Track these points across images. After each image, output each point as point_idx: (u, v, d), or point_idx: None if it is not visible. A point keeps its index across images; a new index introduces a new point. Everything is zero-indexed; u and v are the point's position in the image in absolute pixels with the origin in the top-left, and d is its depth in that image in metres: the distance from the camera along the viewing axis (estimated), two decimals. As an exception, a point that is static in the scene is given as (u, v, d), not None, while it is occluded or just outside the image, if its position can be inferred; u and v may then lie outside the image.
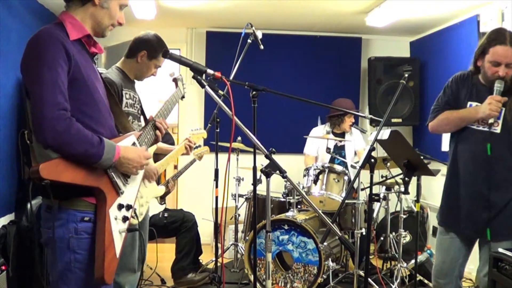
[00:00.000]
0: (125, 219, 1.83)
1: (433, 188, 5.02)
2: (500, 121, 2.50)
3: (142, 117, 2.86)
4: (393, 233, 4.22)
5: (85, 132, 1.69)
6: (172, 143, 4.16)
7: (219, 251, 3.72)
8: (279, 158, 2.17)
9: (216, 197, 3.69)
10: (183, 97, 2.55)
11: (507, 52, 2.42)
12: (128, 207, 1.86)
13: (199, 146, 4.19)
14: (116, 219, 1.79)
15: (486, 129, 2.53)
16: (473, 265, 2.95)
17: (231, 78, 3.35)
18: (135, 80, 2.90)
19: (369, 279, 3.59)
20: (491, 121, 2.49)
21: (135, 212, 2.77)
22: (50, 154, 1.68)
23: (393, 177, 3.83)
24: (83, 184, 1.70)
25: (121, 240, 1.81)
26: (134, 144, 1.97)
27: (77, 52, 1.77)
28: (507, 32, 2.47)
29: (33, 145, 1.77)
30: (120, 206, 1.82)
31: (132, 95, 2.79)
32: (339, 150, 4.71)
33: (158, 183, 3.87)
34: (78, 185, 1.70)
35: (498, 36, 2.45)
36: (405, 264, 3.96)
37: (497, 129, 2.51)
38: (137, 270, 3.22)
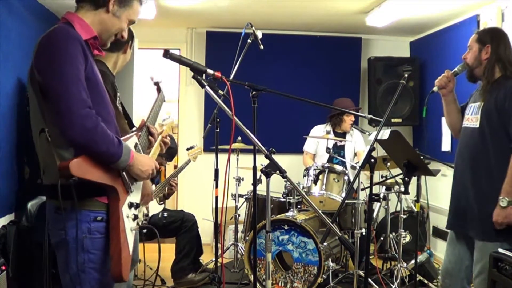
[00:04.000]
0: (135, 217, 1.86)
1: (433, 188, 5.02)
2: (478, 116, 2.54)
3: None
4: (393, 233, 4.23)
5: (108, 132, 1.71)
6: (176, 151, 4.14)
7: (219, 251, 3.72)
8: (279, 158, 2.17)
9: (216, 197, 3.69)
10: (164, 100, 2.54)
11: (470, 38, 2.64)
12: (137, 205, 1.89)
13: (194, 146, 4.19)
14: (128, 217, 1.81)
15: (466, 124, 2.64)
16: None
17: (231, 78, 3.35)
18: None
19: (369, 279, 3.59)
20: (435, 89, 2.72)
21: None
22: (63, 153, 1.69)
23: (393, 177, 3.83)
24: (103, 182, 1.72)
25: (133, 237, 1.83)
26: (136, 145, 1.98)
27: (88, 52, 1.78)
28: (489, 27, 2.74)
29: (51, 142, 1.74)
30: (131, 205, 1.84)
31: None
32: (338, 150, 4.71)
33: (157, 182, 3.88)
34: (95, 185, 1.71)
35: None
36: (405, 264, 3.96)
37: (477, 124, 2.54)
38: (131, 270, 3.21)
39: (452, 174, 2.74)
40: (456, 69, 2.67)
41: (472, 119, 2.60)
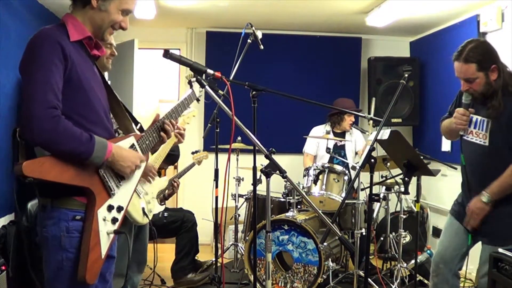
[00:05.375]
0: (114, 220, 1.82)
1: (433, 188, 5.02)
2: (487, 133, 2.48)
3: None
4: (393, 233, 4.22)
5: (73, 130, 1.69)
6: (178, 157, 4.15)
7: (219, 251, 3.72)
8: (279, 158, 2.17)
9: (216, 197, 3.69)
10: (198, 99, 2.53)
11: (460, 68, 2.47)
12: (119, 208, 1.85)
13: (199, 150, 4.21)
14: (104, 220, 1.78)
15: (470, 139, 2.56)
16: (473, 265, 2.95)
17: (231, 78, 3.35)
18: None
19: (369, 279, 3.59)
20: (461, 132, 2.59)
21: (143, 211, 2.77)
22: (43, 152, 1.68)
23: (393, 177, 3.83)
24: (70, 183, 1.70)
25: (109, 241, 1.80)
26: (133, 145, 1.95)
27: (76, 53, 1.77)
28: (469, 46, 2.46)
29: (21, 142, 1.77)
30: (110, 208, 1.81)
31: None
32: (338, 150, 4.71)
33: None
34: (66, 185, 1.70)
35: (459, 51, 2.48)
36: (405, 264, 3.96)
37: (486, 142, 2.49)
38: (138, 273, 3.22)
39: (454, 176, 2.74)
40: (465, 102, 2.54)
41: (478, 134, 2.52)
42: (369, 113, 3.69)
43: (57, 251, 1.75)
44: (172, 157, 4.06)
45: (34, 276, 1.92)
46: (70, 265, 1.75)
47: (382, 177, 4.10)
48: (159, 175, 4.30)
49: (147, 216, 2.77)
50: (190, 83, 2.48)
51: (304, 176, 4.22)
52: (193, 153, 4.19)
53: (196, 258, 4.21)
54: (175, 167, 5.69)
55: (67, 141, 1.66)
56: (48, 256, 1.77)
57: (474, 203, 2.50)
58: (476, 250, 2.67)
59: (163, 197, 3.89)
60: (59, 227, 1.74)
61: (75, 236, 1.75)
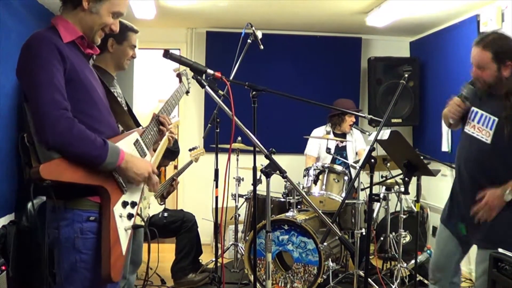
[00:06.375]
0: (130, 216, 1.83)
1: (433, 188, 5.02)
2: (492, 131, 2.44)
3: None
4: (393, 233, 4.23)
5: (87, 133, 1.69)
6: (178, 152, 4.16)
7: (219, 251, 3.72)
8: (279, 158, 2.17)
9: (216, 197, 3.69)
10: (187, 92, 2.53)
11: (476, 53, 2.44)
12: (133, 204, 1.86)
13: (197, 147, 4.20)
14: (121, 216, 1.79)
15: (472, 132, 2.53)
16: (473, 265, 2.95)
17: (231, 78, 3.35)
18: (116, 72, 2.80)
19: (369, 279, 3.59)
20: (451, 121, 2.58)
21: (140, 215, 2.78)
22: (52, 155, 1.67)
23: (393, 177, 3.83)
24: (85, 183, 1.70)
25: (127, 237, 1.82)
26: (137, 141, 1.96)
27: (72, 54, 1.77)
28: (492, 35, 2.44)
29: (36, 146, 1.76)
30: (125, 204, 1.82)
31: (118, 92, 2.73)
32: (340, 151, 4.71)
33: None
34: (81, 185, 1.70)
35: (481, 38, 2.46)
36: (405, 264, 3.96)
37: (488, 140, 2.46)
38: (132, 273, 3.22)
39: (453, 177, 2.73)
40: (463, 93, 2.50)
41: (481, 129, 2.48)
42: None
43: (70, 252, 1.74)
44: (173, 154, 4.07)
45: (48, 276, 1.91)
46: (84, 266, 1.75)
47: (382, 177, 4.10)
48: (160, 173, 4.31)
49: (143, 221, 2.78)
50: (179, 75, 2.49)
51: (304, 176, 4.22)
52: (190, 150, 4.19)
53: (199, 259, 4.20)
54: (175, 167, 5.69)
55: (82, 144, 1.66)
56: (61, 258, 1.76)
57: (492, 194, 2.39)
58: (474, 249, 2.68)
59: (162, 196, 3.90)
60: (73, 229, 1.74)
61: (89, 237, 1.75)
